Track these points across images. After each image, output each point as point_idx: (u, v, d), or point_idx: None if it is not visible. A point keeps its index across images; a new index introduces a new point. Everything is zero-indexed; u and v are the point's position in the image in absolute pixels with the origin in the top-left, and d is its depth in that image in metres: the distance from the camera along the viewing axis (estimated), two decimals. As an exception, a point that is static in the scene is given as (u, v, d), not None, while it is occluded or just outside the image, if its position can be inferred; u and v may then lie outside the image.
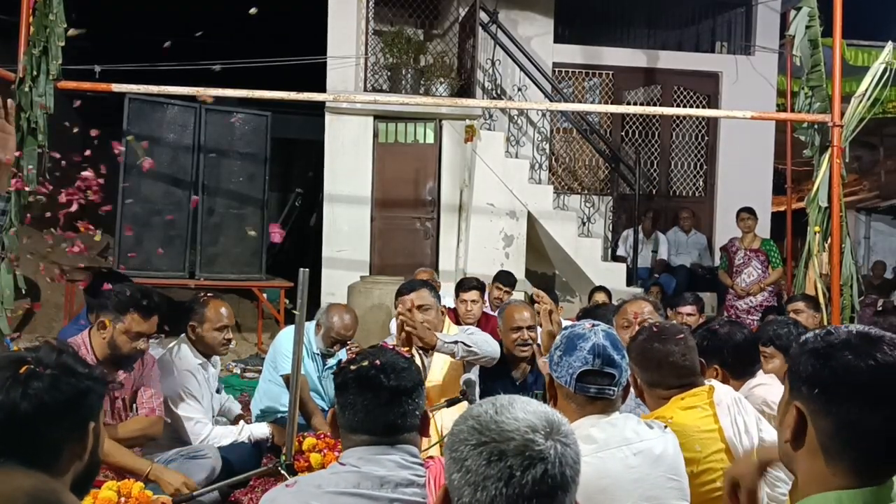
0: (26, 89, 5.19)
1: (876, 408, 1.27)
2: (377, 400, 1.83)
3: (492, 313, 6.05)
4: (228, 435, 3.80)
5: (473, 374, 3.78)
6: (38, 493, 0.96)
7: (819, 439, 1.31)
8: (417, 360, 3.53)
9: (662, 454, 2.02)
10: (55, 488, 1.00)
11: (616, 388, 2.05)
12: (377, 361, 1.89)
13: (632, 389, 2.55)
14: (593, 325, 2.11)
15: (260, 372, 5.09)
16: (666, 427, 2.13)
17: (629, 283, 8.25)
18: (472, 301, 5.55)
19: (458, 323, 5.49)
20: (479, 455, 1.17)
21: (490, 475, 1.15)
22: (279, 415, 4.39)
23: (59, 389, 1.49)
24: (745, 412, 2.42)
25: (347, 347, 4.42)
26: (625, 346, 2.19)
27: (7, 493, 0.94)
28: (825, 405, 1.31)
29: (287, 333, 4.48)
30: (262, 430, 3.98)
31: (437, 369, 3.65)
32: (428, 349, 3.55)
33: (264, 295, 7.99)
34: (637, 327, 3.47)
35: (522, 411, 1.22)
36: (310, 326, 4.50)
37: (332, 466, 1.86)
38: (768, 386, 2.94)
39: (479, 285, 5.71)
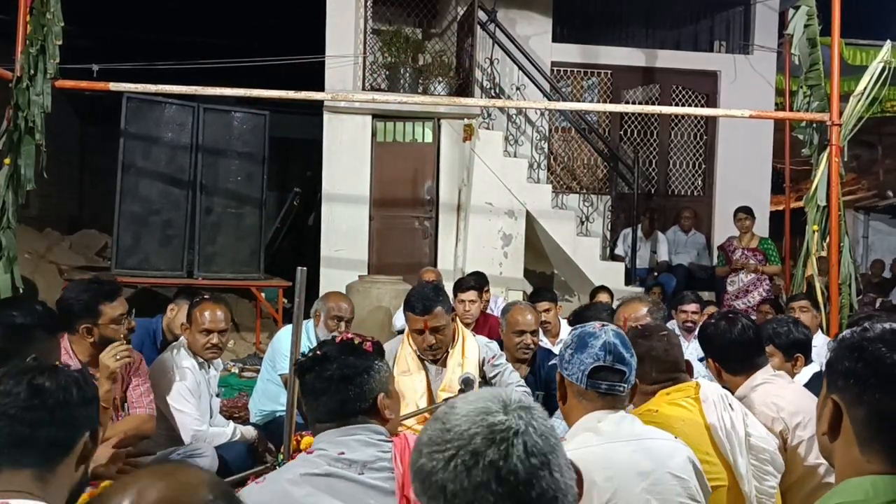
0: (24, 88, 5.18)
1: None
2: (321, 389, 1.97)
3: (490, 313, 6.04)
4: (221, 435, 3.80)
5: (472, 374, 3.77)
6: None
7: (854, 428, 1.36)
8: (428, 372, 3.54)
9: (671, 454, 2.05)
10: None
11: (626, 385, 2.10)
12: (318, 352, 2.03)
13: None
14: (603, 325, 2.17)
15: (258, 371, 5.10)
16: (677, 438, 2.16)
17: (627, 283, 8.25)
18: (471, 301, 5.52)
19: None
20: (457, 472, 1.01)
21: (478, 484, 1.00)
22: (278, 413, 4.39)
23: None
24: (731, 408, 2.44)
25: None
26: None
27: None
28: (859, 395, 1.36)
29: (286, 332, 4.49)
30: (250, 432, 4.00)
31: (453, 375, 3.53)
32: (435, 360, 3.54)
33: (262, 294, 7.99)
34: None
35: (465, 404, 1.08)
36: (309, 325, 4.50)
37: (300, 456, 1.96)
38: (771, 385, 2.88)
39: (476, 285, 5.69)
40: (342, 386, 1.95)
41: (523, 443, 1.02)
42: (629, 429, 2.06)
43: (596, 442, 2.00)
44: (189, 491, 0.97)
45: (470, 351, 3.60)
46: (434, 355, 3.52)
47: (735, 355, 2.97)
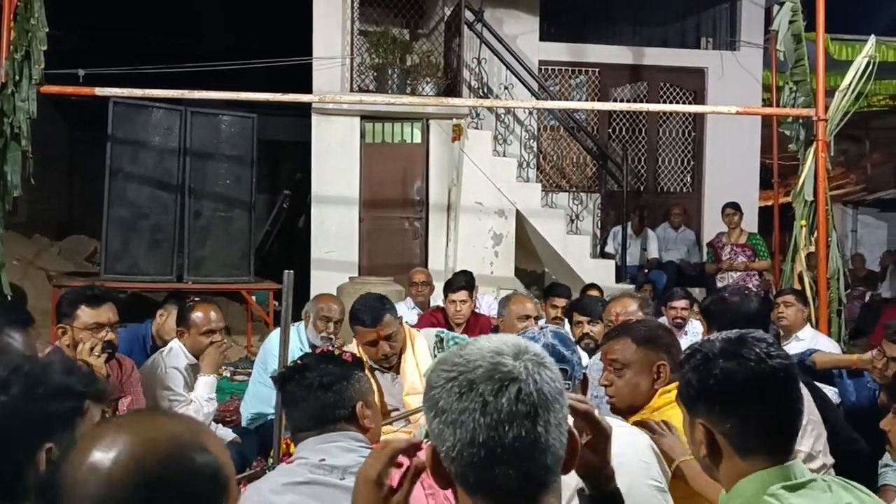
0: (9, 94, 5.15)
1: (759, 398, 1.47)
2: (301, 396, 2.04)
3: (482, 313, 6.04)
4: (196, 409, 3.62)
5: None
6: None
7: (729, 442, 1.49)
8: (382, 381, 3.53)
9: (632, 441, 2.09)
10: None
11: (571, 382, 2.17)
12: (298, 362, 2.11)
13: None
14: (542, 328, 2.26)
15: (250, 374, 5.08)
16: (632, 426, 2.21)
17: (618, 280, 8.27)
18: (462, 301, 5.52)
19: (447, 324, 5.48)
20: (451, 392, 1.11)
21: (464, 409, 1.09)
22: (269, 416, 4.37)
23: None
24: None
25: (332, 337, 4.37)
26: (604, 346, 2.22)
27: None
28: (722, 412, 1.49)
29: (277, 335, 4.46)
30: (206, 384, 3.74)
31: (413, 378, 3.53)
32: (390, 367, 3.52)
33: (253, 297, 7.96)
34: None
35: (487, 340, 1.16)
36: (299, 326, 4.49)
37: (279, 466, 2.05)
38: None
39: (467, 285, 5.68)
40: (322, 392, 2.01)
41: (518, 389, 1.08)
42: None
43: None
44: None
45: (420, 348, 3.63)
46: (390, 363, 3.50)
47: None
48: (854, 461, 3.30)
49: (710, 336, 1.63)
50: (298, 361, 2.12)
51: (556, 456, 1.12)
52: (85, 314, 3.18)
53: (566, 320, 4.90)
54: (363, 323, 3.40)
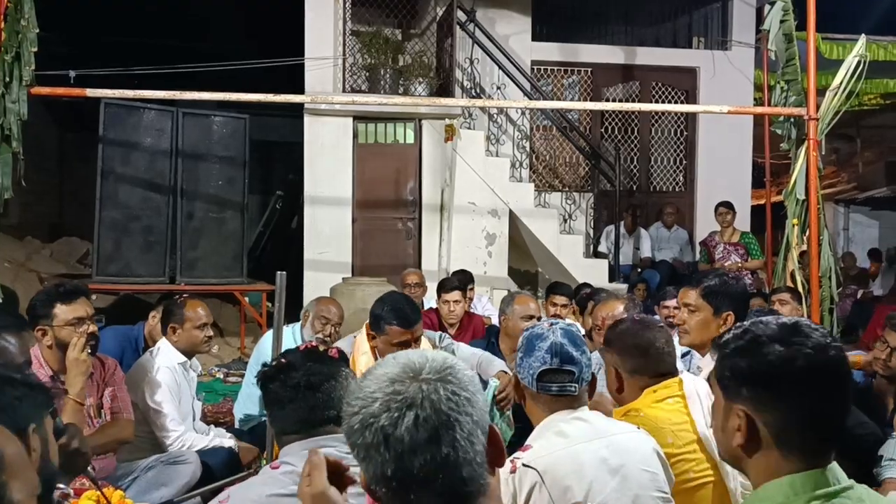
0: (-1, 96, 5.13)
1: (814, 390, 1.35)
2: (287, 397, 1.91)
3: (476, 313, 6.04)
4: (201, 442, 3.77)
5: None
6: None
7: (771, 433, 1.37)
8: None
9: (637, 448, 2.07)
10: None
11: (577, 384, 2.08)
12: (282, 360, 1.98)
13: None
14: (552, 325, 2.15)
15: (243, 376, 5.08)
16: (639, 428, 2.17)
17: (611, 279, 8.27)
18: (455, 301, 5.52)
19: (441, 324, 5.48)
20: (355, 429, 1.09)
21: (369, 444, 1.08)
22: (263, 418, 4.36)
23: None
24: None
25: (326, 340, 4.37)
26: (600, 346, 2.21)
27: None
28: (771, 399, 1.37)
29: (271, 336, 4.47)
30: (229, 442, 3.95)
31: None
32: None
33: (246, 298, 7.95)
34: None
35: (386, 365, 1.14)
36: (296, 327, 4.50)
37: (263, 471, 1.91)
38: None
39: (460, 285, 5.69)
40: (309, 393, 1.90)
41: (415, 415, 1.07)
42: (593, 427, 2.06)
43: (562, 445, 1.99)
44: None
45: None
46: None
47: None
48: (863, 442, 3.32)
49: (758, 319, 1.48)
50: (282, 360, 1.99)
51: (475, 464, 1.10)
52: (62, 311, 3.17)
53: (580, 312, 4.94)
54: (402, 324, 3.30)
